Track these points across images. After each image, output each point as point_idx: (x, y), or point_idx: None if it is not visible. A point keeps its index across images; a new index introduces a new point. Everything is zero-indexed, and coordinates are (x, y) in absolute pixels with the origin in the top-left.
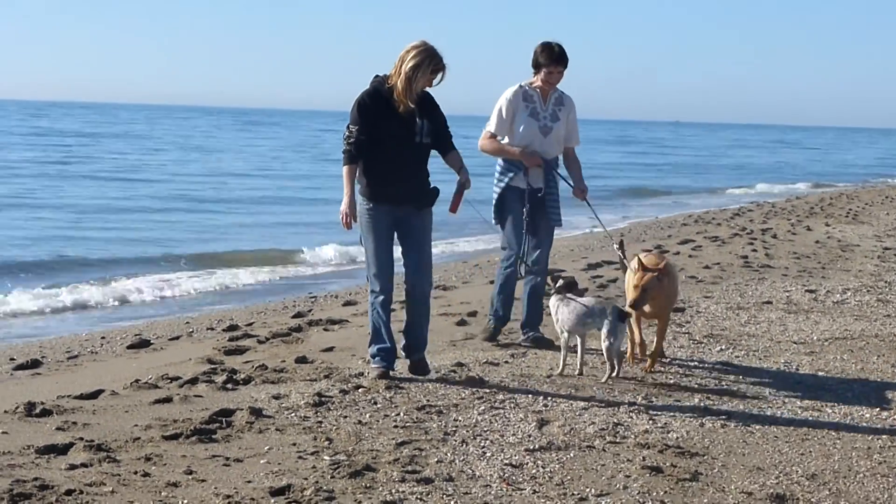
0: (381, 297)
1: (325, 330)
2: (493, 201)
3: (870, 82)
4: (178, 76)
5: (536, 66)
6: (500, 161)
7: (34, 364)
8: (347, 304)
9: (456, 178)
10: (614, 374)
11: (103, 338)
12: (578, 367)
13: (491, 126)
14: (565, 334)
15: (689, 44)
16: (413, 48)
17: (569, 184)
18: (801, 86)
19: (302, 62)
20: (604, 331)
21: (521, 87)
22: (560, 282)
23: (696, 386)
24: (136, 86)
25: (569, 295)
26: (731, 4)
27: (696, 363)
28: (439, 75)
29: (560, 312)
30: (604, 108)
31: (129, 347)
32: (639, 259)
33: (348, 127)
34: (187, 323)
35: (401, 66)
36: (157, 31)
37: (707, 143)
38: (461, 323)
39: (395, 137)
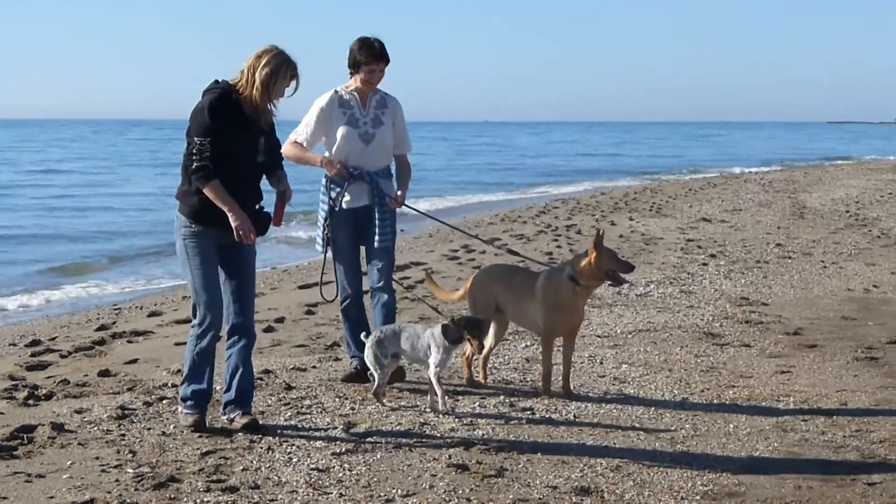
0: (211, 332)
1: (129, 342)
2: (319, 224)
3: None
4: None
5: (354, 66)
6: (325, 176)
7: None
8: (153, 314)
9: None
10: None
11: None
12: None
13: (298, 134)
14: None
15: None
16: (265, 53)
17: (388, 195)
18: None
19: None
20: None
21: (336, 92)
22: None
23: (502, 382)
24: None
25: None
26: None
27: (501, 360)
28: (294, 83)
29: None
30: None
31: None
32: (599, 232)
33: (194, 139)
34: None
35: (253, 73)
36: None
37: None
38: (268, 329)
39: (239, 153)
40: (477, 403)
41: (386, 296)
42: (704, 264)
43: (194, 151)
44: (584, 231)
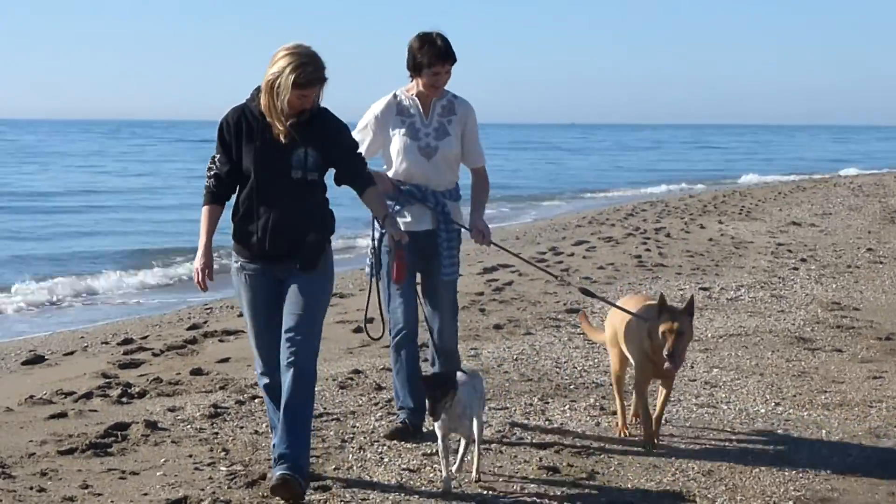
0: (266, 381)
1: (221, 341)
2: (369, 248)
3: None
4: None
5: (416, 68)
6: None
7: None
8: (243, 315)
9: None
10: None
11: None
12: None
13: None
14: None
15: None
16: (281, 49)
17: (461, 225)
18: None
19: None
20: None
21: (394, 96)
22: None
23: (592, 385)
24: None
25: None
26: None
27: (591, 363)
28: (314, 89)
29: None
30: (498, 110)
31: (23, 363)
32: (661, 297)
33: (213, 156)
34: (82, 338)
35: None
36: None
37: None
38: (357, 330)
39: (261, 170)
40: (567, 406)
41: (444, 357)
42: (795, 269)
43: (207, 168)
44: (672, 234)
